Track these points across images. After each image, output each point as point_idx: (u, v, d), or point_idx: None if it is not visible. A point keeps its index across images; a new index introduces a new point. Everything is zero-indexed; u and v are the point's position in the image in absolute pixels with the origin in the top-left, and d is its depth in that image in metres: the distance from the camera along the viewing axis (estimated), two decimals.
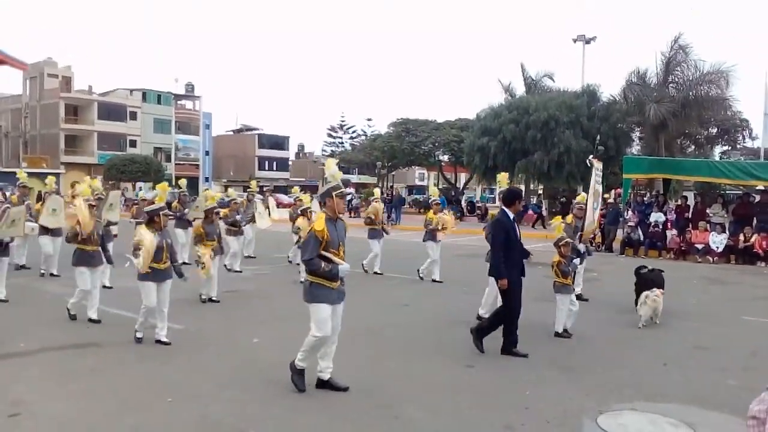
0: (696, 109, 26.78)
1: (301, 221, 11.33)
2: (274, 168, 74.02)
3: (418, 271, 12.16)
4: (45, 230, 11.26)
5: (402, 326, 8.37)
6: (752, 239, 16.22)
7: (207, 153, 66.78)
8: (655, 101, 25.78)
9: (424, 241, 12.13)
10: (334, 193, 5.39)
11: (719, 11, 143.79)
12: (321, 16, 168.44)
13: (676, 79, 27.23)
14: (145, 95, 60.80)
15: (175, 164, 61.23)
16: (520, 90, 34.84)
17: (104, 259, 8.39)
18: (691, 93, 26.32)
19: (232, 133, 78.61)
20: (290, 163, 79.73)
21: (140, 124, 59.41)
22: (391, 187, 43.81)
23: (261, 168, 72.26)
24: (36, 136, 56.06)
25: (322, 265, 5.23)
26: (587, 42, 32.67)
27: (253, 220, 14.79)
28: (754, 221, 17.07)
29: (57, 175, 47.67)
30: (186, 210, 14.05)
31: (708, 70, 25.98)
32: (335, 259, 5.30)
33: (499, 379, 6.03)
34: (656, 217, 18.28)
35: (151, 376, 6.02)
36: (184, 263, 11.02)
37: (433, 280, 11.87)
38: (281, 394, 5.49)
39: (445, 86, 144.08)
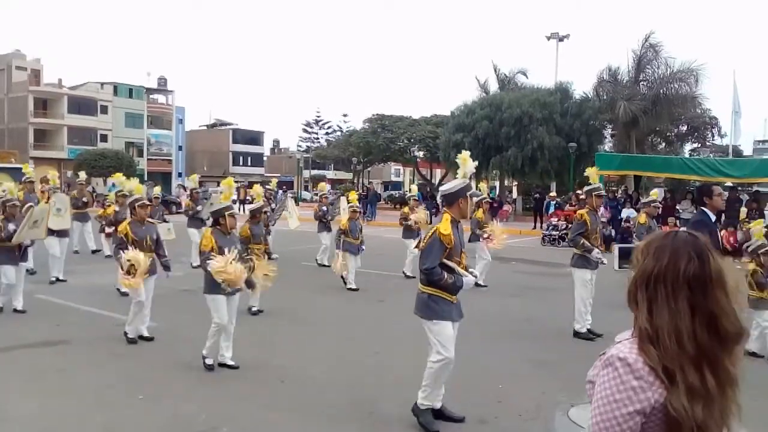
0: (666, 106, 27.21)
1: (420, 215, 11.59)
2: (249, 163, 73.42)
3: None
4: (50, 231, 9.98)
5: (377, 320, 8.38)
6: (721, 235, 16.54)
7: (180, 148, 65.93)
8: (626, 99, 26.14)
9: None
10: (468, 194, 4.81)
11: (690, 11, 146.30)
12: (296, 11, 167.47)
13: (647, 77, 27.62)
14: (116, 89, 59.75)
15: (148, 159, 60.33)
16: (494, 87, 35.07)
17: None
18: (661, 91, 26.72)
19: (205, 128, 77.74)
20: (265, 158, 79.15)
21: (111, 118, 58.39)
22: (369, 183, 43.80)
23: (235, 163, 71.61)
24: (4, 130, 54.77)
25: (445, 275, 4.60)
26: (560, 39, 33.02)
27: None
28: (723, 217, 17.43)
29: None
30: (199, 208, 12.94)
31: (678, 68, 26.40)
32: (459, 269, 4.71)
33: (473, 374, 6.07)
34: (627, 212, 18.57)
35: (122, 373, 5.94)
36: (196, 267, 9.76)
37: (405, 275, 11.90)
38: (254, 391, 5.46)
39: (421, 82, 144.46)
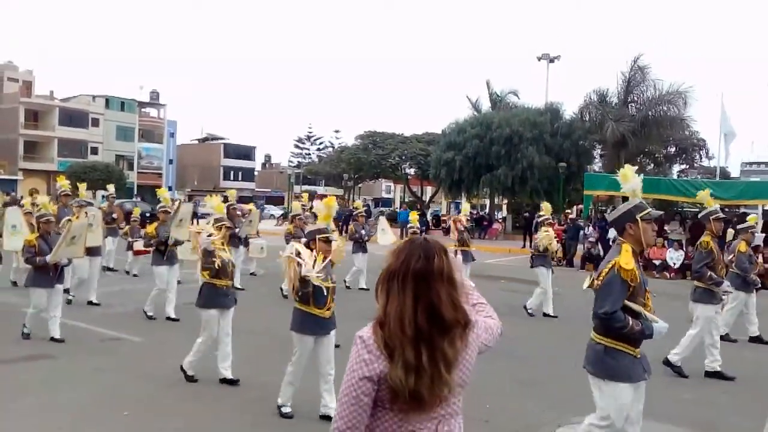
0: (655, 128, 27.55)
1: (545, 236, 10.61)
2: (240, 178, 73.32)
3: None
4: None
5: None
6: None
7: (171, 162, 65.79)
8: (615, 119, 26.43)
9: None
10: (639, 216, 3.82)
11: (678, 35, 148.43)
12: (289, 28, 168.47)
13: (636, 99, 27.99)
14: (108, 102, 59.71)
15: (138, 172, 60.17)
16: (486, 106, 35.33)
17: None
18: (650, 112, 27.07)
19: (197, 142, 77.69)
20: (256, 173, 79.10)
21: (102, 131, 58.26)
22: (364, 199, 43.75)
23: (226, 178, 71.49)
24: None
25: (631, 322, 3.65)
26: (551, 60, 33.34)
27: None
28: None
29: (14, 181, 46.51)
30: (237, 229, 11.59)
31: (667, 91, 26.77)
32: (646, 313, 3.75)
33: None
34: (614, 233, 18.65)
35: (107, 389, 5.89)
36: (236, 288, 8.26)
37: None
38: (244, 408, 5.43)
39: (413, 100, 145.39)
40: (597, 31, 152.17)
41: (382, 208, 49.39)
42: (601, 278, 3.83)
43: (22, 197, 32.59)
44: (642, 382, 3.76)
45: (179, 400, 5.60)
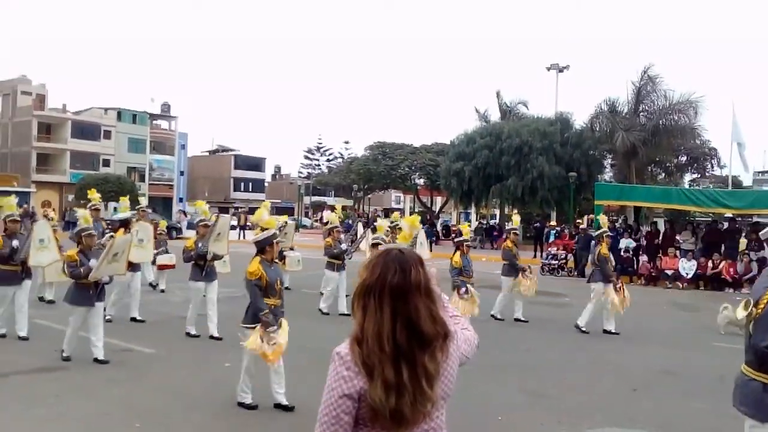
0: (666, 137, 27.43)
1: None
2: (250, 189, 73.67)
3: None
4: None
5: None
6: (720, 266, 16.55)
7: (182, 173, 66.21)
8: (626, 129, 26.35)
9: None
10: None
11: (689, 44, 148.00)
12: (300, 39, 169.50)
13: (647, 108, 27.89)
14: (120, 114, 60.26)
15: (149, 184, 60.52)
16: (495, 116, 35.35)
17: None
18: (661, 122, 26.96)
19: (207, 153, 78.22)
20: (266, 184, 79.46)
21: (114, 143, 58.76)
22: (374, 210, 43.77)
23: (237, 189, 71.87)
24: (7, 154, 55.07)
25: None
26: (561, 70, 33.36)
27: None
28: (723, 248, 17.44)
29: (27, 194, 46.96)
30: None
31: (677, 100, 26.67)
32: None
33: (473, 404, 6.03)
34: (626, 243, 18.57)
35: (119, 400, 5.91)
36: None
37: None
38: (251, 419, 5.43)
39: (422, 111, 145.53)
40: (606, 41, 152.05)
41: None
42: (761, 306, 3.25)
43: (33, 208, 32.88)
44: None
45: (191, 411, 5.61)
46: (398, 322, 1.76)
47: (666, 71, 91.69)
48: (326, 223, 13.67)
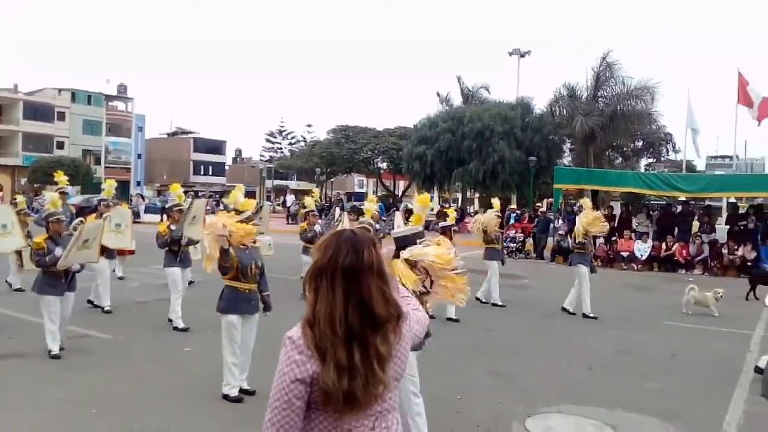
0: (623, 122, 28.00)
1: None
2: (210, 173, 72.57)
3: None
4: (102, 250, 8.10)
5: None
6: (674, 248, 17.06)
7: (139, 156, 64.80)
8: (584, 114, 26.79)
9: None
10: None
11: (648, 30, 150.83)
12: (261, 21, 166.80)
13: (605, 94, 28.38)
14: (74, 95, 58.49)
15: (105, 167, 59.08)
16: (457, 101, 35.51)
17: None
18: (618, 107, 27.48)
19: (166, 136, 76.62)
20: (227, 168, 78.36)
21: (69, 125, 57.09)
22: (337, 193, 43.62)
23: (196, 173, 70.66)
24: None
25: None
26: (522, 55, 33.63)
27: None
28: (676, 231, 17.97)
29: None
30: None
31: (635, 86, 27.21)
32: None
33: (432, 385, 6.12)
34: None
35: (76, 387, 5.81)
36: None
37: None
38: (212, 404, 5.41)
39: (386, 95, 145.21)
40: (568, 27, 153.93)
41: (355, 203, 49.33)
42: None
43: None
44: None
45: (150, 397, 5.55)
46: (351, 303, 1.74)
47: (625, 57, 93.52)
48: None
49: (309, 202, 11.89)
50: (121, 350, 7.13)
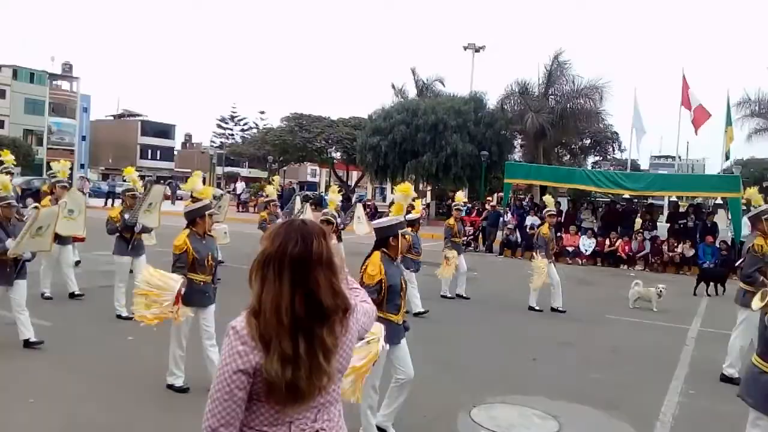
0: (572, 120, 28.66)
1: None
2: (158, 157, 70.91)
3: None
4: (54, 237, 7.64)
5: None
6: (617, 244, 17.58)
7: (84, 138, 62.69)
8: (536, 111, 27.29)
9: None
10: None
11: (600, 30, 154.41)
12: (214, 3, 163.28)
13: (556, 91, 28.95)
14: (16, 73, 56.12)
15: (48, 149, 56.98)
16: (412, 93, 35.59)
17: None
18: (568, 105, 28.10)
19: (112, 118, 74.37)
20: (176, 152, 76.67)
21: (9, 103, 54.75)
22: (290, 182, 43.14)
23: (143, 157, 68.91)
24: None
25: None
26: (477, 50, 33.96)
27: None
28: (620, 227, 18.52)
29: None
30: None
31: (585, 85, 27.85)
32: None
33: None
34: (531, 220, 19.38)
35: (13, 375, 5.61)
36: None
37: None
38: (155, 393, 5.30)
39: (341, 84, 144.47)
40: (521, 25, 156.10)
41: (307, 192, 49.10)
42: None
43: None
44: None
45: (91, 386, 5.41)
46: (297, 293, 1.72)
47: (577, 56, 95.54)
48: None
49: (270, 191, 11.55)
50: (63, 338, 6.90)
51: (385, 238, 4.40)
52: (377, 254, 4.38)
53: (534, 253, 10.27)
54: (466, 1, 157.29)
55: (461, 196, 12.22)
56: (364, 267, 4.37)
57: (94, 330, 7.40)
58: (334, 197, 9.62)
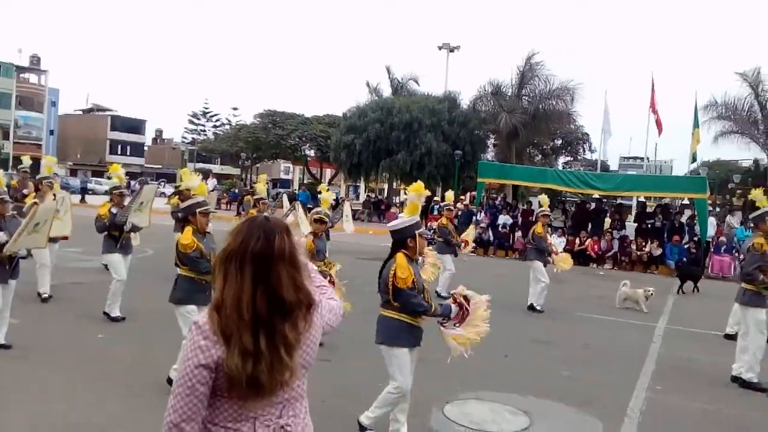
0: (544, 121, 29.05)
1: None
2: (128, 153, 69.74)
3: None
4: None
5: None
6: (586, 243, 17.86)
7: (52, 132, 61.45)
8: (509, 111, 27.56)
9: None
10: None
11: (573, 32, 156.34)
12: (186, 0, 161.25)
13: (529, 92, 29.28)
14: None
15: (14, 143, 55.70)
16: (387, 91, 35.66)
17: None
18: (540, 106, 28.45)
19: (81, 112, 72.97)
20: (146, 148, 75.54)
21: None
22: (268, 180, 42.83)
23: (113, 152, 67.72)
24: None
25: None
26: (451, 50, 34.18)
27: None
28: (589, 226, 18.82)
29: None
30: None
31: (557, 86, 28.21)
32: None
33: (353, 372, 6.17)
34: (504, 219, 19.60)
35: None
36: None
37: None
38: (123, 388, 5.25)
39: (315, 82, 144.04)
40: (497, 24, 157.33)
41: (280, 189, 48.86)
42: None
43: None
44: None
45: (60, 384, 5.33)
46: (259, 289, 1.73)
47: (550, 56, 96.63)
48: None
49: (260, 189, 11.30)
50: (30, 335, 6.78)
51: (403, 239, 4.36)
52: (402, 256, 4.32)
53: (553, 247, 10.66)
54: (442, 1, 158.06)
55: (451, 196, 12.32)
56: (392, 271, 4.31)
57: (63, 328, 7.29)
58: (327, 196, 9.56)
